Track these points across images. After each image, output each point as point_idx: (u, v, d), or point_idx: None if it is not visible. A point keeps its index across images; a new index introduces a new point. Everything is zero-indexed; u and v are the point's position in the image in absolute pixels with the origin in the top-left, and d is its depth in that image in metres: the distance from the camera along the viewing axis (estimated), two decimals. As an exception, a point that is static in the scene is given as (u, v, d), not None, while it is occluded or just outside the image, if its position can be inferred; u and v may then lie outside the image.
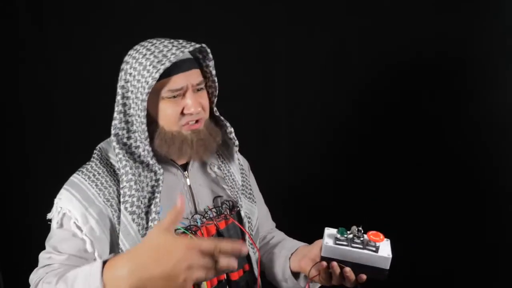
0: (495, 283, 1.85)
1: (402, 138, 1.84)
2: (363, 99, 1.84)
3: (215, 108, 1.04)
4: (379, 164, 1.88)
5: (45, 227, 0.94)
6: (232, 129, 1.07)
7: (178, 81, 0.91)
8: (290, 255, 1.06)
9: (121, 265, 0.69)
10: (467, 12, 1.69)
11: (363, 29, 1.77)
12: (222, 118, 1.05)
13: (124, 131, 0.94)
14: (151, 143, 0.93)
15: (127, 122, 0.94)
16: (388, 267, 0.87)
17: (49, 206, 0.94)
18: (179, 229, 0.94)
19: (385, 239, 0.90)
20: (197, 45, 0.93)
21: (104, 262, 0.72)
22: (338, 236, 0.89)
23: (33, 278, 0.86)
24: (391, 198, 1.87)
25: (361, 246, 0.87)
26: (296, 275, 1.05)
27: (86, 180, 0.92)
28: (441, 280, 1.91)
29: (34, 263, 0.90)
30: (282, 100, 1.89)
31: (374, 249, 0.87)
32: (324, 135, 1.89)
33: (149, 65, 0.88)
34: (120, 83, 0.95)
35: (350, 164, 1.91)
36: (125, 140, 0.94)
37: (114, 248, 0.89)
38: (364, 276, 0.88)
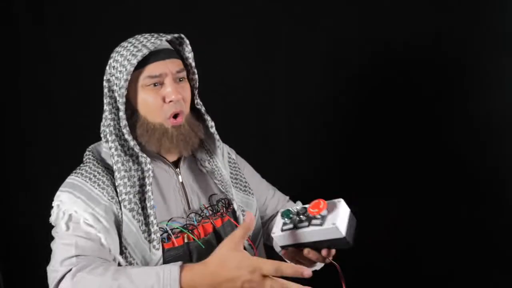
0: (495, 283, 1.84)
1: (401, 138, 1.83)
2: (363, 99, 1.84)
3: (196, 101, 1.04)
4: (379, 164, 1.87)
5: (45, 227, 0.94)
6: (213, 123, 1.06)
7: (156, 68, 0.92)
8: None
9: (200, 278, 0.70)
10: (467, 12, 1.69)
11: (362, 29, 1.76)
12: (203, 111, 1.05)
13: (115, 122, 0.95)
14: (133, 132, 0.94)
15: (115, 113, 0.96)
16: (343, 235, 0.74)
17: (48, 205, 0.94)
18: (177, 228, 0.94)
19: (337, 200, 0.80)
20: (175, 35, 0.95)
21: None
22: (284, 220, 0.80)
23: (54, 275, 0.79)
24: (391, 198, 1.87)
25: (306, 224, 0.76)
26: None
27: (87, 182, 0.91)
28: (441, 280, 1.91)
29: (33, 263, 0.90)
30: (282, 100, 1.88)
31: (319, 222, 0.75)
32: (324, 135, 1.89)
33: (129, 55, 0.91)
34: (106, 77, 0.97)
35: (350, 164, 1.91)
36: (116, 131, 0.95)
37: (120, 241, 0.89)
38: (329, 251, 0.81)
